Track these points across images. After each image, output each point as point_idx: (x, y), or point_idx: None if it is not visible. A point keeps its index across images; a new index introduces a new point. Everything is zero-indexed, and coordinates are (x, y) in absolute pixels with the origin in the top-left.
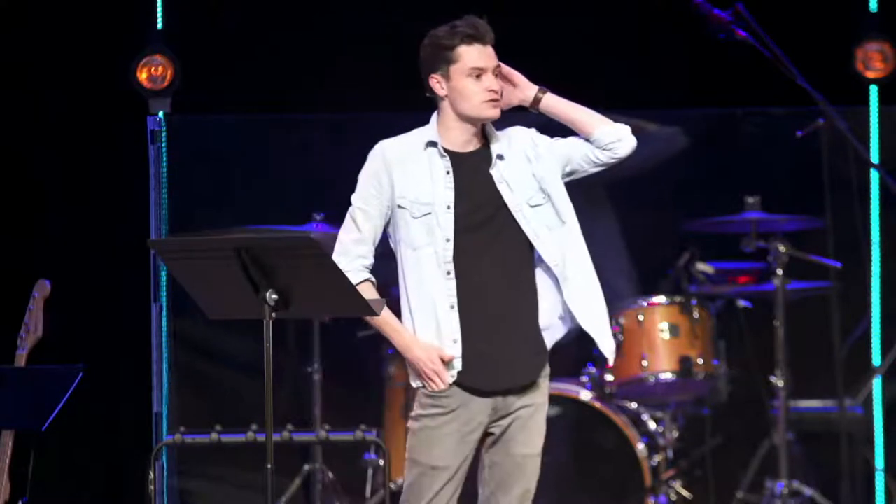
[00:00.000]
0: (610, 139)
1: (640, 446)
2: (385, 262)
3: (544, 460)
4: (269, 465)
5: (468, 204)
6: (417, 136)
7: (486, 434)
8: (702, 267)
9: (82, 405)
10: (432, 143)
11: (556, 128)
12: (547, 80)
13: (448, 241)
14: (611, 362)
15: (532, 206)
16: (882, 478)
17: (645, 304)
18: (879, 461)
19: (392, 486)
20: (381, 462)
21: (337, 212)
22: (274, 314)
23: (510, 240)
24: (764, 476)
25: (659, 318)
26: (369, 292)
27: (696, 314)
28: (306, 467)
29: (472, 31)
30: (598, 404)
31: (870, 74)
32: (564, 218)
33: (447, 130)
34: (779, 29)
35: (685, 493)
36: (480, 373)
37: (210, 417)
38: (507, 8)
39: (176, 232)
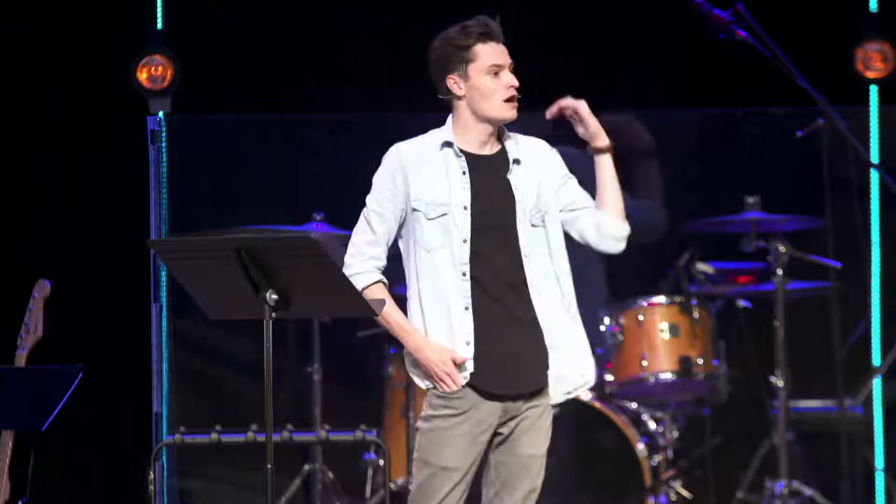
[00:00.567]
0: (611, 231)
1: (640, 446)
2: (391, 264)
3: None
4: (269, 465)
5: (485, 205)
6: (433, 138)
7: (495, 435)
8: (702, 267)
9: (82, 405)
10: (448, 144)
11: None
12: (547, 80)
13: (465, 241)
14: (579, 394)
15: (533, 225)
16: (882, 478)
17: (645, 304)
18: (879, 461)
19: (392, 486)
20: (381, 462)
21: (337, 212)
22: (274, 314)
23: (517, 244)
24: (764, 476)
25: (659, 318)
26: (381, 293)
27: (696, 314)
28: (306, 467)
29: (486, 29)
30: (598, 404)
31: (870, 74)
32: (553, 253)
33: (464, 131)
34: (779, 29)
35: (685, 493)
36: (492, 376)
37: (210, 417)
38: (506, 9)
39: (176, 232)
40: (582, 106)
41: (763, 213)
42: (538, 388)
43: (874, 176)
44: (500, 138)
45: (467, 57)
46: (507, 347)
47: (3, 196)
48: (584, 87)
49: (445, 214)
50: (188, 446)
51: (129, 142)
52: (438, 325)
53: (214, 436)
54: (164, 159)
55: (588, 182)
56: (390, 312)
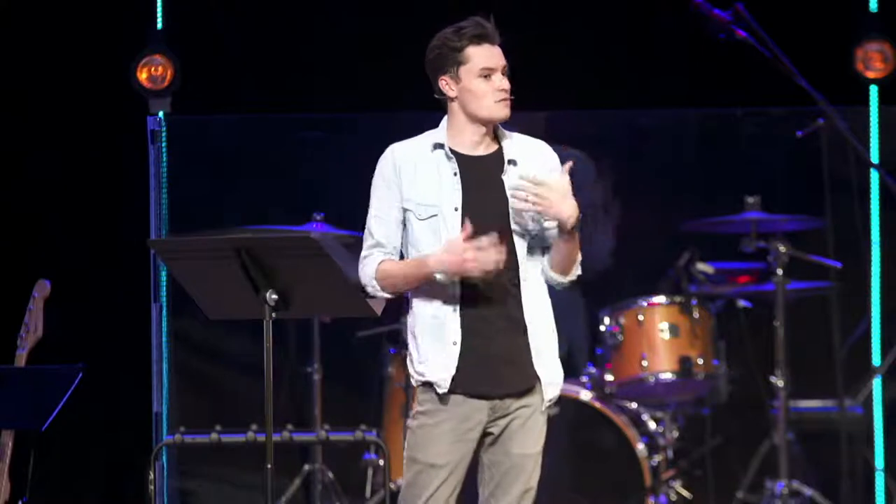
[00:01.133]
0: (550, 280)
1: (640, 446)
2: None
3: (544, 460)
4: (269, 465)
5: (477, 206)
6: (426, 139)
7: (486, 434)
8: (702, 267)
9: (82, 405)
10: (440, 145)
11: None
12: (547, 80)
13: None
14: (543, 406)
15: (525, 229)
16: (882, 478)
17: (645, 304)
18: (879, 461)
19: (392, 486)
20: (381, 462)
21: (337, 212)
22: (274, 314)
23: (515, 246)
24: (764, 476)
25: (659, 318)
26: (392, 265)
27: (696, 314)
28: (306, 467)
29: (480, 31)
30: (598, 404)
31: (870, 74)
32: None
33: (458, 132)
34: (779, 29)
35: (685, 493)
36: (477, 377)
37: (210, 417)
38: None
39: (176, 232)
40: (565, 182)
41: (763, 213)
42: (527, 388)
43: (874, 176)
44: (497, 138)
45: (459, 59)
46: (495, 348)
47: (3, 196)
48: (584, 87)
49: (436, 216)
50: (188, 446)
51: (129, 142)
52: (428, 324)
53: (214, 436)
54: (164, 159)
55: (585, 187)
56: (397, 271)
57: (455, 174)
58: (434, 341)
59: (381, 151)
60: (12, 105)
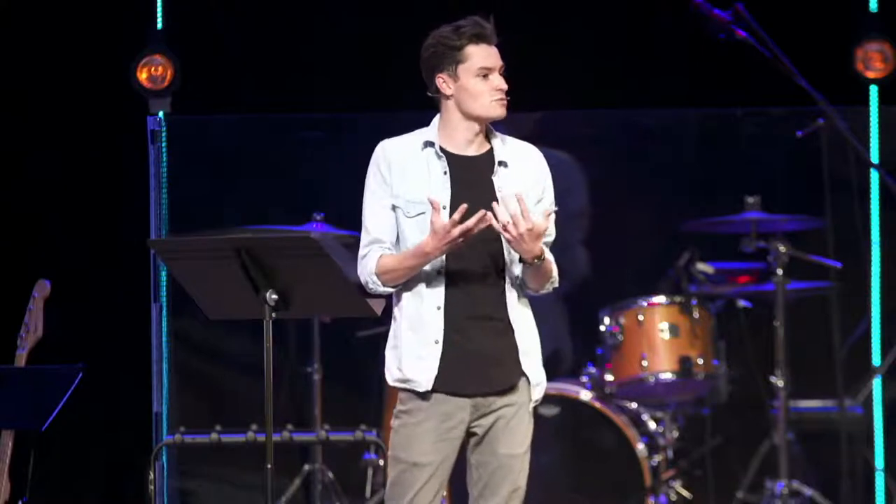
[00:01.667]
0: (526, 288)
1: (640, 446)
2: None
3: (544, 460)
4: (269, 465)
5: (465, 206)
6: (417, 136)
7: (470, 433)
8: (702, 267)
9: (82, 405)
10: (430, 143)
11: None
12: (547, 80)
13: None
14: (530, 406)
15: None
16: (882, 478)
17: (645, 304)
18: (879, 461)
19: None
20: (381, 462)
21: (337, 212)
22: (274, 314)
23: (501, 246)
24: (764, 476)
25: (659, 318)
26: (393, 258)
27: (696, 314)
28: (306, 467)
29: (479, 30)
30: (598, 404)
31: (870, 74)
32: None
33: (451, 131)
34: (779, 29)
35: (685, 493)
36: (459, 375)
37: (210, 417)
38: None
39: (176, 232)
40: (539, 227)
41: (763, 213)
42: (509, 386)
43: (874, 176)
44: (488, 139)
45: (458, 57)
46: (478, 346)
47: (3, 196)
48: (584, 87)
49: (424, 213)
50: (188, 446)
51: (129, 142)
52: (411, 321)
53: (214, 436)
54: (164, 159)
55: (573, 189)
56: (398, 264)
57: (445, 172)
58: (416, 339)
59: None
60: (12, 105)
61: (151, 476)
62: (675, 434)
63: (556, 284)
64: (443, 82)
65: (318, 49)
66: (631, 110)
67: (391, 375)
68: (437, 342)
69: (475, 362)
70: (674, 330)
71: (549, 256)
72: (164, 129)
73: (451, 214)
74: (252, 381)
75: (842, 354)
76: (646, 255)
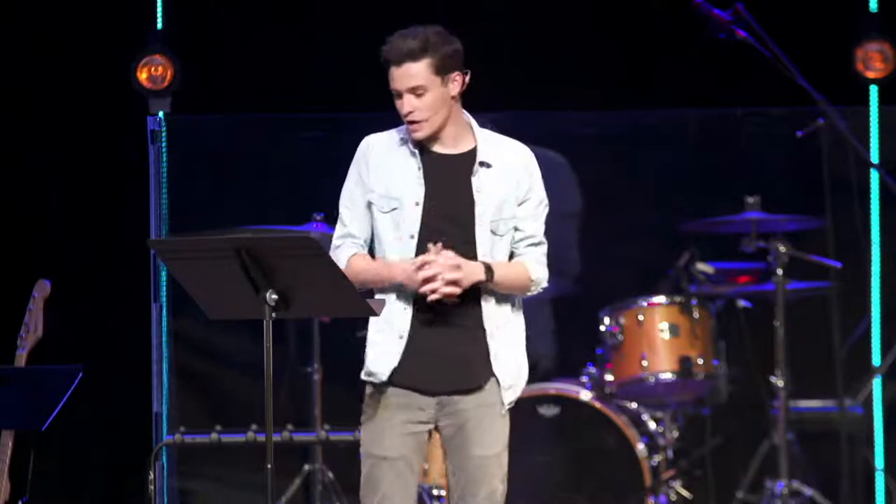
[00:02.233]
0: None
1: (640, 446)
2: None
3: (544, 460)
4: (269, 465)
5: (438, 204)
6: (400, 132)
7: (441, 432)
8: (702, 267)
9: (82, 405)
10: (405, 140)
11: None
12: (546, 80)
13: (412, 237)
14: (503, 410)
15: (492, 232)
16: (882, 478)
17: (645, 304)
18: (879, 461)
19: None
20: None
21: (337, 212)
22: (274, 314)
23: (475, 249)
24: (764, 476)
25: (659, 318)
26: (364, 261)
27: (696, 314)
28: (306, 467)
29: (386, 53)
30: (598, 404)
31: (870, 74)
32: None
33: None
34: (779, 29)
35: (685, 493)
36: (420, 372)
37: (210, 417)
38: (506, 8)
39: (176, 232)
40: (452, 261)
41: (763, 213)
42: (475, 386)
43: (874, 176)
44: (475, 137)
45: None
46: (444, 345)
47: (3, 196)
48: (584, 88)
49: (396, 209)
50: (188, 446)
51: (129, 142)
52: (383, 318)
53: (214, 436)
54: (164, 159)
55: (566, 191)
56: (364, 273)
57: (419, 169)
58: (383, 334)
59: None
60: (12, 105)
61: (151, 476)
62: (675, 434)
63: (543, 285)
64: (458, 82)
65: (318, 49)
66: (631, 110)
67: (363, 370)
68: (401, 337)
69: (439, 361)
70: (674, 330)
71: (503, 272)
72: (164, 129)
73: (423, 211)
74: (252, 381)
75: (842, 354)
76: (646, 255)
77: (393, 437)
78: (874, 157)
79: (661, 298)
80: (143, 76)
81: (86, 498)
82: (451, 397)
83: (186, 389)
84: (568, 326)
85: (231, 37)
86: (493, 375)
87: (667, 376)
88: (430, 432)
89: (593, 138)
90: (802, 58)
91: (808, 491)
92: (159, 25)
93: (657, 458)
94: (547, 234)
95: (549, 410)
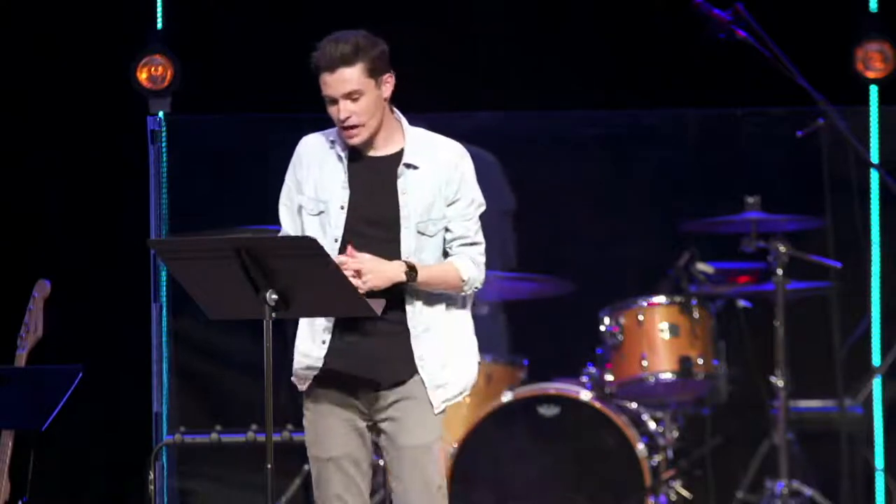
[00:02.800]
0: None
1: (640, 446)
2: None
3: (544, 460)
4: (269, 465)
5: (363, 207)
6: (331, 135)
7: (377, 428)
8: (702, 267)
9: (82, 405)
10: (334, 143)
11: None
12: (546, 80)
13: (336, 241)
14: (436, 410)
15: (420, 233)
16: (882, 478)
17: (645, 304)
18: (879, 461)
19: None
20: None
21: None
22: (274, 314)
23: (398, 249)
24: (764, 476)
25: (659, 318)
26: None
27: (696, 314)
28: (306, 467)
29: (317, 60)
30: (598, 404)
31: (870, 74)
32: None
33: None
34: (779, 29)
35: (685, 493)
36: (344, 373)
37: (210, 417)
38: (506, 8)
39: (176, 232)
40: (366, 265)
41: (763, 213)
42: (399, 381)
43: (874, 176)
44: (405, 138)
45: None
46: (366, 346)
47: (3, 196)
48: (584, 88)
49: (323, 212)
50: (188, 446)
51: (129, 142)
52: (305, 321)
53: (214, 436)
54: (164, 159)
55: (500, 188)
56: None
57: (345, 173)
58: (307, 338)
59: None
60: (12, 105)
61: (151, 476)
62: (675, 434)
63: (476, 285)
64: (389, 83)
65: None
66: (631, 110)
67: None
68: (324, 342)
69: (360, 361)
70: (674, 330)
71: (428, 273)
72: (164, 129)
73: (348, 215)
74: (252, 381)
75: (842, 354)
76: (646, 255)
77: (334, 437)
78: (874, 157)
79: (661, 298)
80: (143, 76)
81: (86, 498)
82: (376, 394)
83: (186, 389)
84: (568, 326)
85: (231, 37)
86: (417, 373)
87: (667, 376)
88: (376, 429)
89: (593, 138)
90: (802, 58)
91: (808, 491)
92: (159, 25)
93: (657, 458)
94: (485, 231)
95: (549, 410)
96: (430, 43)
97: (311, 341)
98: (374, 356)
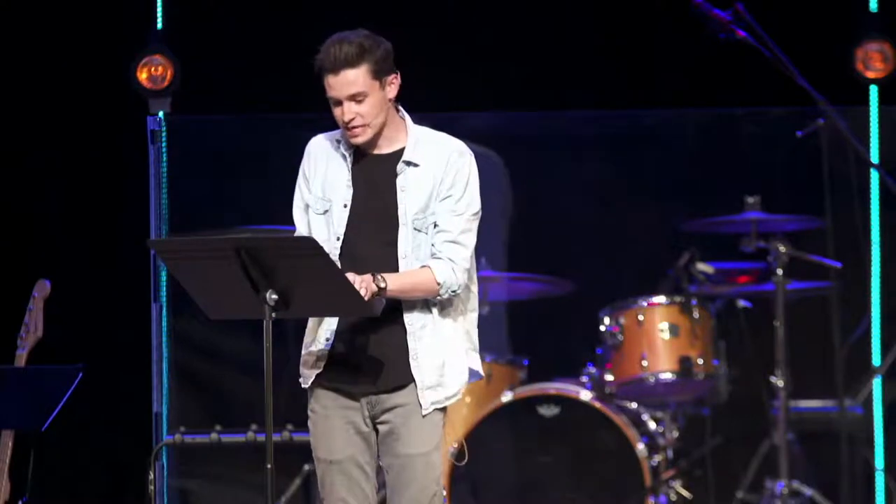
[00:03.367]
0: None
1: (640, 446)
2: None
3: (544, 460)
4: (269, 465)
5: (365, 206)
6: (337, 135)
7: (378, 430)
8: (702, 267)
9: (82, 405)
10: (339, 142)
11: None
12: (545, 80)
13: (338, 239)
14: (423, 411)
15: (416, 230)
16: (882, 478)
17: (645, 304)
18: (879, 461)
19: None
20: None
21: None
22: (274, 314)
23: (396, 250)
24: (764, 476)
25: (659, 318)
26: None
27: (696, 314)
28: (306, 467)
29: (321, 61)
30: (598, 404)
31: (870, 74)
32: None
33: None
34: (779, 29)
35: (685, 493)
36: (345, 373)
37: (210, 417)
38: (506, 8)
39: (176, 232)
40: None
41: (763, 213)
42: (397, 385)
43: (874, 176)
44: (408, 137)
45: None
46: (366, 345)
47: (3, 196)
48: (584, 88)
49: (328, 211)
50: (188, 446)
51: (129, 142)
52: (311, 321)
53: (214, 436)
54: (164, 159)
55: (496, 189)
56: None
57: (349, 171)
58: (312, 337)
59: None
60: (12, 105)
61: (151, 476)
62: (675, 434)
63: (454, 288)
64: (393, 84)
65: (318, 49)
66: (631, 110)
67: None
68: (327, 340)
69: (362, 362)
70: (674, 330)
71: (400, 282)
72: (164, 129)
73: (350, 212)
74: (252, 381)
75: (842, 354)
76: (646, 255)
77: (336, 439)
78: (874, 157)
79: (661, 298)
80: (143, 76)
81: (86, 498)
82: (377, 396)
83: (186, 389)
84: (568, 326)
85: (231, 37)
86: (412, 375)
87: (667, 376)
88: (371, 431)
89: (593, 138)
90: (802, 58)
91: (808, 491)
92: (159, 25)
93: (657, 458)
94: (485, 231)
95: (549, 410)
96: (430, 43)
97: (316, 338)
98: (375, 357)
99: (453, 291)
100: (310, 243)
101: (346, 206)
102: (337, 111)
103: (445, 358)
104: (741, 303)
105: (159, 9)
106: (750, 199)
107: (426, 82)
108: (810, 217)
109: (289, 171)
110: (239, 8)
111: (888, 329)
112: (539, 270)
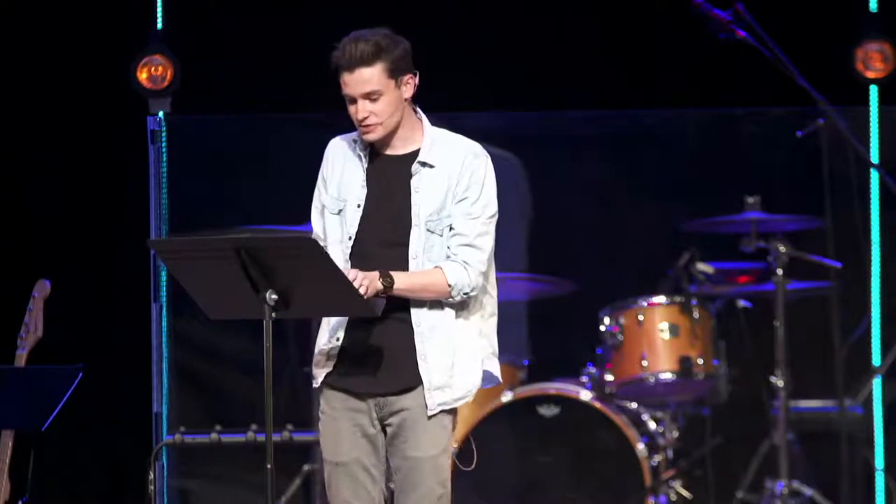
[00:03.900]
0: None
1: (640, 446)
2: None
3: (544, 460)
4: (269, 465)
5: (378, 206)
6: (355, 136)
7: (387, 432)
8: (702, 267)
9: (82, 405)
10: (355, 142)
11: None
12: (546, 79)
13: (350, 238)
14: (428, 412)
15: (430, 231)
16: (882, 478)
17: (645, 304)
18: (879, 461)
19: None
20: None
21: None
22: (274, 314)
23: (407, 251)
24: (764, 476)
25: (659, 318)
26: None
27: (696, 314)
28: (306, 467)
29: (337, 59)
30: (598, 404)
31: (870, 74)
32: None
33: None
34: (779, 29)
35: (685, 493)
36: (355, 374)
37: (210, 417)
38: (506, 7)
39: (176, 232)
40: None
41: (763, 213)
42: (405, 388)
43: (874, 176)
44: (423, 137)
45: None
46: (376, 346)
47: (3, 196)
48: (584, 88)
49: (342, 210)
50: (188, 446)
51: (129, 142)
52: (322, 321)
53: (214, 436)
54: (164, 159)
55: (512, 185)
56: None
57: (364, 171)
58: (323, 337)
59: None
60: (12, 105)
61: (151, 476)
62: (675, 434)
63: (465, 290)
64: (410, 84)
65: (319, 49)
66: (631, 110)
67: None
68: (338, 339)
69: (372, 362)
70: (674, 330)
71: (409, 281)
72: (164, 129)
73: (363, 213)
74: (252, 381)
75: (842, 354)
76: (646, 255)
77: (343, 441)
78: (874, 157)
79: (661, 298)
80: (143, 76)
81: (86, 498)
82: (385, 398)
83: (186, 389)
84: (568, 326)
85: (231, 37)
86: (420, 377)
87: (667, 376)
88: (379, 433)
89: (593, 138)
90: (802, 58)
91: (808, 491)
92: (159, 25)
93: (657, 458)
94: (503, 233)
95: (549, 410)
96: (430, 43)
97: (328, 337)
98: (384, 358)
99: (465, 294)
100: (309, 243)
101: (359, 205)
102: (351, 109)
103: (455, 359)
104: (741, 303)
105: (159, 9)
106: (750, 199)
107: (426, 82)
108: (810, 217)
109: (289, 171)
110: (239, 8)
111: (888, 329)
112: (539, 270)
